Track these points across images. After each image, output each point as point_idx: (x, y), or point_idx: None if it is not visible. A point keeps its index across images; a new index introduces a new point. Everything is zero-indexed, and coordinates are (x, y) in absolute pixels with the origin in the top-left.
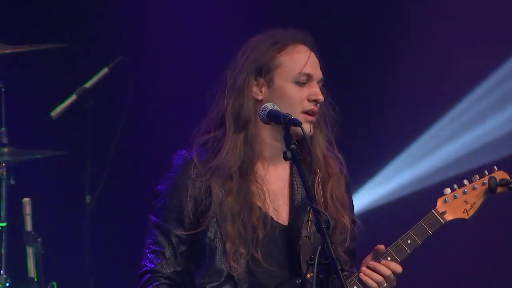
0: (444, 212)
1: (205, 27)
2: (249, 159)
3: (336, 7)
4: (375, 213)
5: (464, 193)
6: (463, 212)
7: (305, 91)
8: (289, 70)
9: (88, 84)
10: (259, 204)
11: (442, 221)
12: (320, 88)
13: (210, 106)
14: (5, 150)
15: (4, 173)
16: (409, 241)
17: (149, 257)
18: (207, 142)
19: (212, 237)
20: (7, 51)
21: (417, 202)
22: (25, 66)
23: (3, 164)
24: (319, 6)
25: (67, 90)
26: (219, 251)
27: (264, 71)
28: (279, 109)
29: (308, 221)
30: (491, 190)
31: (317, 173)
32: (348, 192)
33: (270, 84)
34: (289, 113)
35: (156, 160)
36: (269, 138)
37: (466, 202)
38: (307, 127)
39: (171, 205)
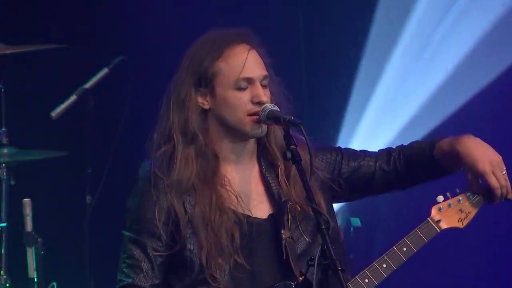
0: (439, 221)
1: (206, 26)
2: (207, 168)
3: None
4: None
5: (459, 202)
6: (458, 221)
7: (247, 95)
8: (227, 78)
9: (88, 84)
10: (232, 207)
11: (437, 229)
12: (266, 85)
13: (159, 116)
14: (5, 150)
15: (4, 174)
16: (404, 249)
17: (125, 271)
18: (160, 156)
19: (192, 248)
20: (7, 52)
21: None
22: (25, 67)
23: (3, 165)
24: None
25: (67, 90)
26: (200, 263)
27: (204, 82)
28: (278, 109)
29: (288, 221)
30: (488, 201)
31: (278, 165)
32: (314, 155)
33: (212, 93)
34: (235, 119)
35: None
36: (229, 142)
37: (461, 211)
38: (256, 129)
39: (144, 219)
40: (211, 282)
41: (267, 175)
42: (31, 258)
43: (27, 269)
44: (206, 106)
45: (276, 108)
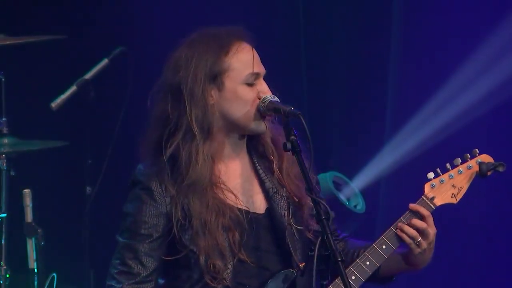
0: (433, 198)
1: (205, 19)
2: (206, 170)
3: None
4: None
5: (451, 177)
6: (452, 197)
7: (255, 90)
8: (238, 72)
9: (88, 75)
10: (232, 203)
11: (432, 206)
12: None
13: (154, 111)
14: (6, 141)
15: (4, 164)
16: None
17: (116, 277)
18: (174, 153)
19: (195, 249)
20: (8, 42)
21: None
22: (25, 57)
23: (3, 155)
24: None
25: (68, 81)
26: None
27: (213, 77)
28: (278, 100)
29: (285, 210)
30: (482, 174)
31: (271, 159)
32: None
33: (220, 87)
34: (243, 113)
35: None
36: (224, 137)
37: (453, 186)
38: (261, 125)
39: (141, 222)
40: (211, 283)
41: (258, 166)
42: (31, 249)
43: (27, 260)
44: (212, 101)
45: (276, 99)
